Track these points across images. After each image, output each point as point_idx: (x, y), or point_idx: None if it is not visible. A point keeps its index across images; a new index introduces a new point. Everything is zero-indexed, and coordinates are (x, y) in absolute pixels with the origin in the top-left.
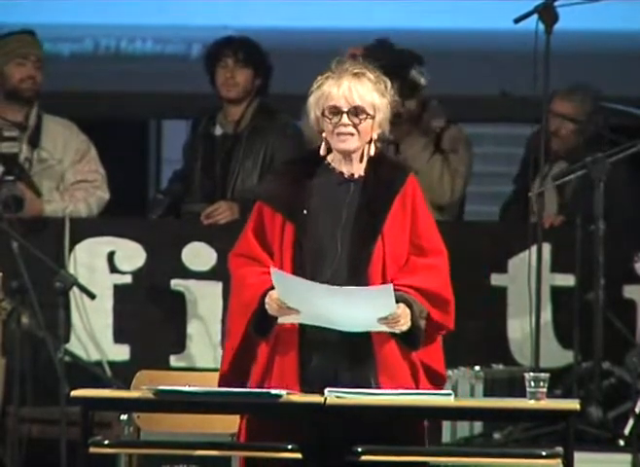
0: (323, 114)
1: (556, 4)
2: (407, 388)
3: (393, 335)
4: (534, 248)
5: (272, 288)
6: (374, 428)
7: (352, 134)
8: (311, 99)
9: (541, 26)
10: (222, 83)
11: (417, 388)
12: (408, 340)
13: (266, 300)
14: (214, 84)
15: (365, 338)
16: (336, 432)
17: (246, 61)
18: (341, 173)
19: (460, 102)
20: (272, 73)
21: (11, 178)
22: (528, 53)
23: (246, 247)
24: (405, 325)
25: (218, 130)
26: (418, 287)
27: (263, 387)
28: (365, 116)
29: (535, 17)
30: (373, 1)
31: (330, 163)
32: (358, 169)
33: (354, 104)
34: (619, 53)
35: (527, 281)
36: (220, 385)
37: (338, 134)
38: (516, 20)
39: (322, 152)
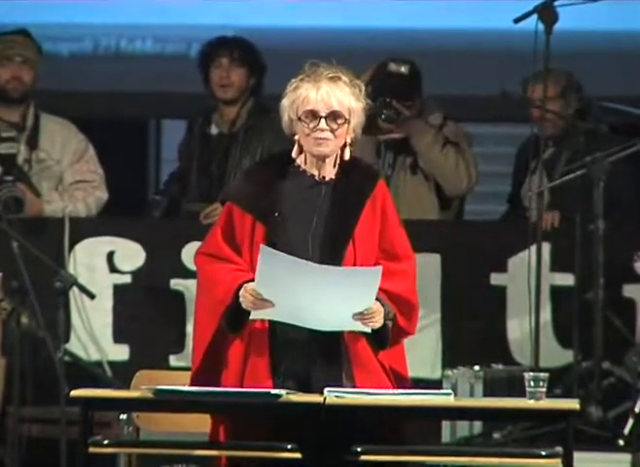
0: (299, 117)
1: (556, 4)
2: (383, 385)
3: (363, 335)
4: (534, 248)
5: (247, 282)
6: (374, 428)
7: (329, 139)
8: (285, 102)
9: (541, 26)
10: (217, 83)
11: (392, 386)
12: (377, 340)
13: (241, 292)
14: (208, 84)
15: (335, 337)
16: (335, 432)
17: (241, 61)
18: (312, 176)
19: (460, 102)
20: (266, 72)
21: (10, 179)
22: (528, 53)
23: (215, 246)
24: (378, 322)
25: (214, 130)
26: (387, 290)
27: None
28: (342, 120)
29: (535, 16)
30: (373, 1)
31: (300, 166)
32: (329, 172)
33: (332, 109)
34: (618, 53)
35: (527, 281)
36: (192, 385)
37: (316, 139)
38: (516, 20)
39: (294, 154)
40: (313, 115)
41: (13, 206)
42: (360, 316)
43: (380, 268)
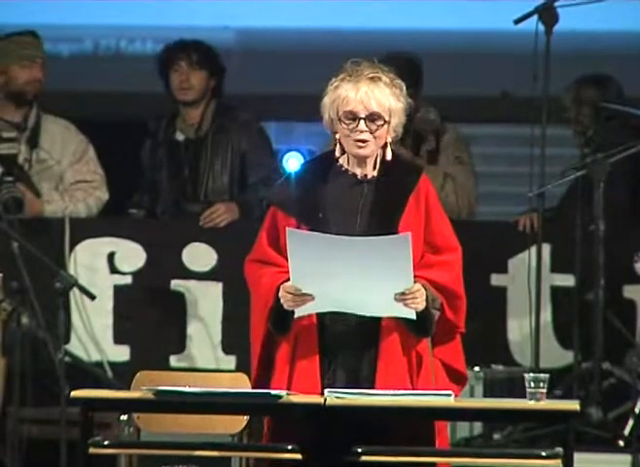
0: (339, 118)
1: (556, 4)
2: (402, 384)
3: (405, 323)
4: (534, 248)
5: (286, 281)
6: (375, 428)
7: (369, 141)
8: (326, 100)
9: (541, 27)
10: (177, 86)
11: (413, 385)
12: (420, 326)
13: (280, 293)
14: (168, 87)
15: (375, 331)
16: (336, 432)
17: (200, 64)
18: (354, 175)
19: (460, 102)
20: (225, 73)
21: (10, 179)
22: (528, 53)
23: (261, 252)
24: (421, 304)
25: (179, 136)
26: (432, 280)
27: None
28: (382, 122)
29: (535, 17)
30: (373, 1)
31: (342, 165)
32: (371, 171)
33: (371, 110)
34: (619, 52)
35: (527, 281)
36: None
37: (355, 140)
38: (517, 21)
39: (337, 153)
40: (353, 116)
41: (12, 207)
42: (402, 297)
43: (409, 234)
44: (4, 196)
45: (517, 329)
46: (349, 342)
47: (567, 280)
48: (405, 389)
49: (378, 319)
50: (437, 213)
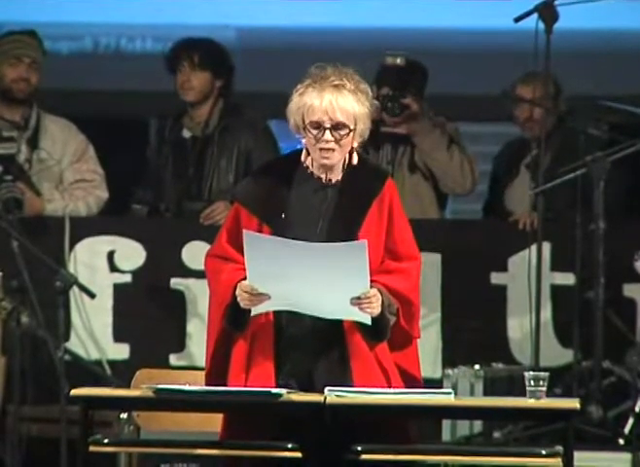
0: (304, 126)
1: (557, 3)
2: (378, 381)
3: (361, 327)
4: (534, 247)
5: (244, 279)
6: (374, 427)
7: (334, 149)
8: (292, 106)
9: (541, 25)
10: (179, 86)
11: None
12: (377, 333)
13: (237, 291)
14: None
15: (336, 331)
16: (335, 431)
17: (202, 65)
18: (319, 179)
19: (460, 102)
20: (234, 72)
21: (10, 178)
22: (528, 52)
23: (221, 248)
24: (377, 308)
25: (186, 133)
26: (389, 286)
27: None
28: (347, 131)
29: (535, 16)
30: (372, 1)
31: (308, 167)
32: (337, 175)
33: (336, 120)
34: (619, 52)
35: (527, 280)
36: (206, 385)
37: (321, 149)
38: (517, 19)
39: (303, 157)
40: (318, 125)
41: (12, 207)
42: (357, 301)
43: (366, 241)
44: (4, 195)
45: (518, 327)
46: (303, 344)
47: (567, 279)
48: (382, 387)
49: (335, 322)
50: (400, 220)
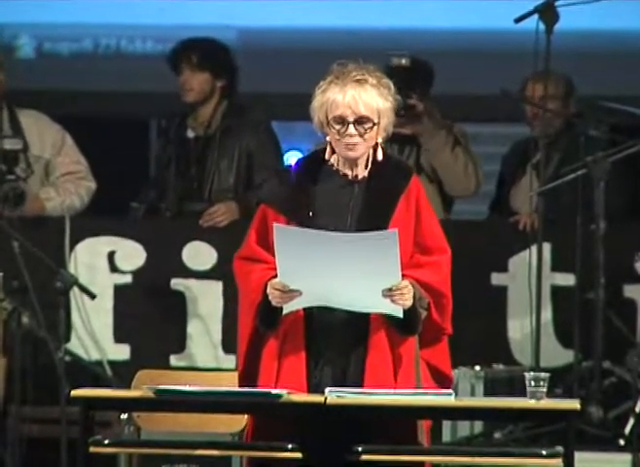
0: (328, 122)
1: (557, 4)
2: (387, 381)
3: (391, 320)
4: (534, 247)
5: (273, 278)
6: (375, 427)
7: (358, 143)
8: (315, 104)
9: (541, 26)
10: (180, 87)
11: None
12: (406, 324)
13: (268, 289)
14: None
15: (366, 327)
16: (336, 432)
17: (201, 66)
18: (345, 175)
19: (460, 102)
20: (238, 72)
21: (13, 177)
22: (528, 52)
23: (249, 250)
24: (408, 300)
25: (190, 133)
26: (420, 279)
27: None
28: (370, 124)
29: (535, 16)
30: (373, 1)
31: (334, 165)
32: (362, 171)
33: (359, 114)
34: (618, 52)
35: (528, 280)
36: (240, 386)
37: (345, 144)
38: (517, 20)
39: (327, 155)
40: (341, 120)
41: (13, 199)
42: (389, 293)
43: (396, 230)
44: (5, 188)
45: (518, 328)
46: (337, 337)
47: (568, 279)
48: (389, 388)
49: (367, 314)
50: (427, 214)
